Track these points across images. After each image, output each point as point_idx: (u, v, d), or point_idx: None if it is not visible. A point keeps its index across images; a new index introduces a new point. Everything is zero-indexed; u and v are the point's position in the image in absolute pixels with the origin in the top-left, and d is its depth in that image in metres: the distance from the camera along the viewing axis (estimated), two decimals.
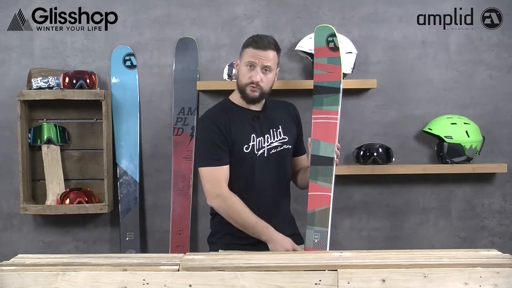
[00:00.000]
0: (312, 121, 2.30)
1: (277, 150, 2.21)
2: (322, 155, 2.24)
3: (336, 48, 2.32)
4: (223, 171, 2.14)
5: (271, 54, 2.14)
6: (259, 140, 2.19)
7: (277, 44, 2.18)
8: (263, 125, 2.21)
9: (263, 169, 2.18)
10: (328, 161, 2.24)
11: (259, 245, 2.12)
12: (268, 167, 2.18)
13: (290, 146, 2.26)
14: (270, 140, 2.21)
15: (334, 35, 2.31)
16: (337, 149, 2.24)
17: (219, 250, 2.19)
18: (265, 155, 2.19)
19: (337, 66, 2.30)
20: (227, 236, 2.18)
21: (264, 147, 2.19)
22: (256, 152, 2.18)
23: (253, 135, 2.18)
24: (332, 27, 2.33)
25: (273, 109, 2.27)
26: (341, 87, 2.29)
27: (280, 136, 2.23)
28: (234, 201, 2.11)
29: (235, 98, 2.24)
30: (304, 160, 2.36)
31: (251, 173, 2.16)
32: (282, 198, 2.28)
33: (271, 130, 2.22)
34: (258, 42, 2.13)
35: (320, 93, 2.31)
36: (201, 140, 2.20)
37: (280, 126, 2.24)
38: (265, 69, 2.15)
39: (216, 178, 2.13)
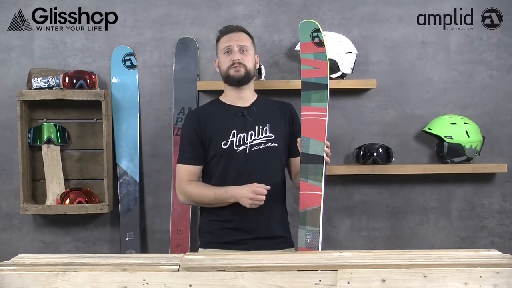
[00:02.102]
0: (301, 118, 2.25)
1: (260, 147, 2.20)
2: (312, 153, 2.19)
3: (321, 44, 2.26)
4: (190, 169, 2.22)
5: (243, 35, 2.24)
6: (241, 136, 2.19)
7: (247, 31, 2.29)
8: (247, 122, 2.21)
9: (243, 165, 2.17)
10: (318, 159, 2.19)
11: (239, 244, 2.14)
12: (249, 164, 2.17)
13: (276, 145, 2.22)
14: (254, 136, 2.20)
15: (318, 30, 2.26)
16: (326, 147, 2.17)
17: (199, 249, 2.20)
18: (247, 151, 2.18)
19: (323, 62, 2.26)
20: (208, 234, 2.21)
21: (247, 143, 2.19)
22: (236, 148, 2.17)
23: (233, 131, 2.18)
24: (316, 22, 2.28)
25: (264, 106, 2.27)
26: (328, 83, 2.26)
27: (266, 134, 2.22)
28: (190, 188, 2.19)
29: (223, 97, 2.29)
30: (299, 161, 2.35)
31: (229, 169, 2.16)
32: (273, 197, 2.20)
33: (256, 127, 2.21)
34: (227, 28, 2.26)
35: (308, 90, 2.26)
36: (181, 136, 2.29)
37: (268, 124, 2.23)
38: (242, 49, 2.22)
39: (181, 175, 2.22)
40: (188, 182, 2.20)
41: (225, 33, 2.24)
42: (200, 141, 2.20)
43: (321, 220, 2.19)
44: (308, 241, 2.19)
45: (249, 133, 2.20)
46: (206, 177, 2.25)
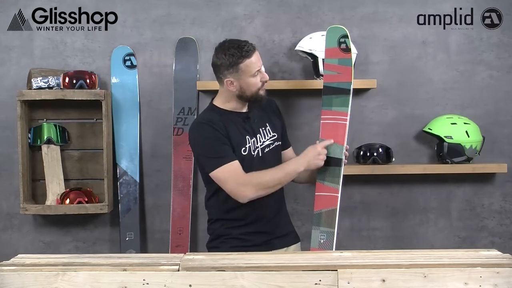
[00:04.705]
0: (321, 121, 2.31)
1: (270, 148, 2.23)
2: (331, 156, 2.25)
3: (347, 50, 2.30)
4: (238, 164, 2.12)
5: (258, 53, 2.18)
6: (253, 141, 2.19)
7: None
8: (253, 126, 2.22)
9: (261, 168, 2.17)
10: (337, 162, 2.26)
11: (265, 245, 2.15)
12: (265, 166, 2.17)
13: (280, 142, 2.28)
14: (262, 139, 2.22)
15: (346, 36, 2.30)
16: (346, 150, 2.27)
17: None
18: (260, 154, 2.19)
19: (347, 68, 2.30)
20: (233, 240, 2.17)
21: (258, 147, 2.20)
22: (253, 153, 2.18)
23: (247, 137, 2.19)
24: (345, 29, 2.32)
25: (256, 108, 2.27)
26: (351, 88, 2.28)
27: (270, 134, 2.25)
28: (259, 177, 2.10)
29: (221, 103, 2.22)
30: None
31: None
32: (281, 195, 2.29)
33: (260, 129, 2.23)
34: (248, 50, 2.12)
35: (330, 94, 2.31)
36: (205, 144, 2.13)
37: (267, 124, 2.26)
38: (262, 66, 2.20)
39: (236, 173, 2.10)
40: (250, 174, 2.12)
41: (248, 55, 2.12)
42: (229, 143, 2.14)
43: (336, 221, 2.21)
44: (322, 241, 2.25)
45: (257, 136, 2.21)
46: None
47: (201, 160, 2.17)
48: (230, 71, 2.13)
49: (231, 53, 2.12)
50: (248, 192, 2.09)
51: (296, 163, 2.16)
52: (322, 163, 2.19)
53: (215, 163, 2.10)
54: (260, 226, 2.17)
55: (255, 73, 2.14)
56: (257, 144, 2.20)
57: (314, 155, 2.17)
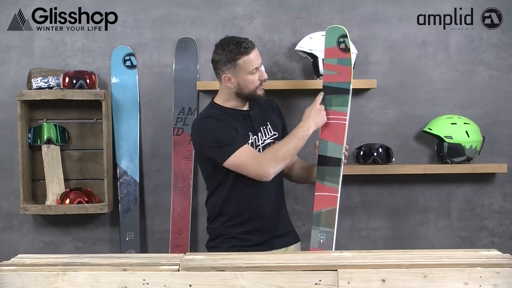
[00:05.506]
0: None
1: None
2: (330, 156, 2.26)
3: (347, 49, 2.31)
4: (250, 147, 2.14)
5: (258, 51, 2.18)
6: (255, 138, 2.20)
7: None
8: (254, 124, 2.22)
9: None
10: (336, 162, 2.26)
11: (265, 245, 2.15)
12: None
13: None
14: (263, 138, 2.22)
15: (345, 36, 2.31)
16: (345, 150, 2.27)
17: None
18: (261, 152, 2.18)
19: (347, 67, 2.30)
20: (232, 240, 2.17)
21: (259, 145, 2.20)
22: None
23: (250, 133, 2.19)
24: (344, 28, 2.33)
25: (257, 107, 2.27)
26: (351, 88, 2.28)
27: (271, 133, 2.25)
28: (275, 152, 2.11)
29: (222, 101, 2.23)
30: None
31: None
32: (281, 194, 2.30)
33: (261, 128, 2.23)
34: (246, 47, 2.13)
35: (329, 94, 2.31)
36: (213, 135, 2.11)
37: (268, 123, 2.26)
38: (261, 64, 2.20)
39: (252, 154, 2.11)
40: (266, 151, 2.15)
41: (247, 52, 2.12)
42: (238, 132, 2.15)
43: (336, 221, 2.21)
44: (321, 241, 2.26)
45: (258, 134, 2.22)
46: (237, 184, 2.18)
47: (210, 152, 2.12)
48: (228, 66, 2.14)
49: (230, 49, 2.13)
50: (270, 168, 2.08)
51: (304, 127, 2.17)
52: (326, 118, 2.25)
53: (227, 150, 2.08)
54: (259, 225, 2.16)
55: (253, 70, 2.14)
56: (258, 142, 2.20)
57: (316, 114, 2.21)
